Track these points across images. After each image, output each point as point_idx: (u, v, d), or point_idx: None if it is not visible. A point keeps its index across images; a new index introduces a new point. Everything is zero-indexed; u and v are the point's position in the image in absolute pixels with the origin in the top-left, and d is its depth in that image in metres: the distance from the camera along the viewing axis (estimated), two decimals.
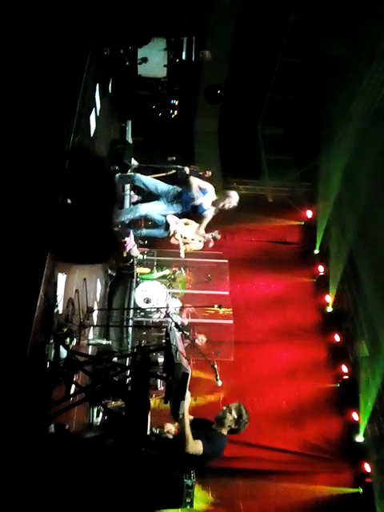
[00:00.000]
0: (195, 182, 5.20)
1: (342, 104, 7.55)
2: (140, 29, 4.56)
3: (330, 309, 7.62)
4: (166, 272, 6.17)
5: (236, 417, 3.48)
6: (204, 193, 5.22)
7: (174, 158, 6.70)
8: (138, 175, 5.42)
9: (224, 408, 3.56)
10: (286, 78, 8.75)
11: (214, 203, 5.27)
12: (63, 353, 2.99)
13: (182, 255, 5.66)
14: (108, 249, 1.47)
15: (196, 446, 3.24)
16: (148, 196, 5.64)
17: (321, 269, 7.97)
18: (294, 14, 7.71)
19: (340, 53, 7.41)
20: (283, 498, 5.91)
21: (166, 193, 5.31)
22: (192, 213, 5.39)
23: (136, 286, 5.99)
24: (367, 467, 6.19)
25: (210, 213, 5.31)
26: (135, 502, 3.05)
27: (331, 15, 7.26)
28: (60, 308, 3.14)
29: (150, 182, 5.38)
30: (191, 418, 3.46)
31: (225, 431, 3.50)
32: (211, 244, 5.77)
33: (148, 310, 5.77)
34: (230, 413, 3.50)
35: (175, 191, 5.30)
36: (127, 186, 6.03)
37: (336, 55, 7.48)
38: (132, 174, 5.38)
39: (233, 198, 5.23)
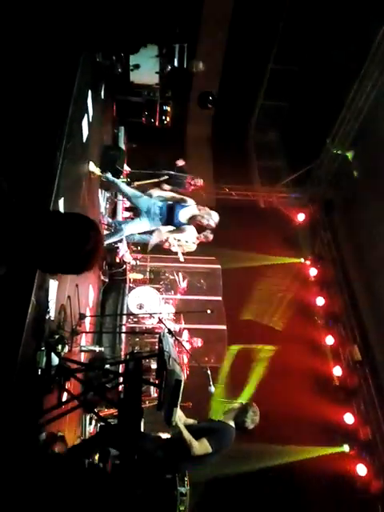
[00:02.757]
0: (173, 196, 5.18)
1: (335, 108, 7.64)
2: (131, 36, 4.58)
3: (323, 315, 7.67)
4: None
5: (242, 407, 3.40)
6: (182, 207, 5.09)
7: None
8: (120, 183, 5.30)
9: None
10: (278, 84, 8.84)
11: (193, 218, 5.09)
12: (55, 360, 2.96)
13: (182, 258, 5.59)
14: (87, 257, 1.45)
15: (203, 447, 3.14)
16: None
17: (313, 272, 8.02)
18: (283, 21, 7.79)
19: (333, 58, 7.48)
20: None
21: (146, 209, 5.11)
22: (172, 225, 5.22)
23: (129, 292, 5.97)
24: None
25: (188, 228, 5.12)
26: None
27: (323, 22, 7.33)
28: (52, 314, 3.12)
29: (130, 193, 5.23)
30: (195, 422, 3.41)
31: (232, 422, 3.36)
32: (210, 237, 5.54)
33: (141, 315, 5.76)
34: (234, 403, 3.44)
35: (156, 207, 5.10)
36: (119, 195, 6.00)
37: (328, 61, 7.56)
38: (113, 179, 5.27)
39: (213, 217, 5.06)
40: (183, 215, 5.07)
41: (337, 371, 7.06)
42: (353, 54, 7.01)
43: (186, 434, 3.10)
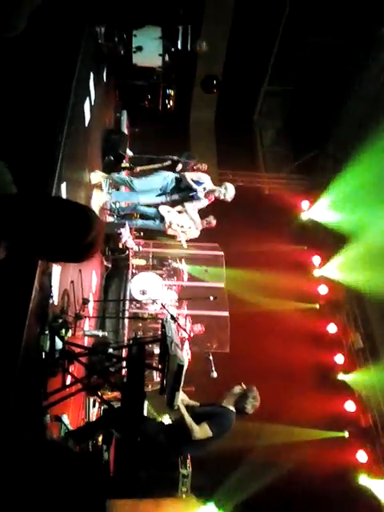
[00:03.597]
0: (188, 176, 5.24)
1: (341, 96, 7.52)
2: (136, 10, 4.47)
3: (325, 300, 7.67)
4: None
5: (243, 391, 3.45)
6: (199, 184, 5.24)
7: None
8: (129, 181, 5.37)
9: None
10: (283, 69, 8.68)
11: (210, 193, 5.28)
12: (59, 344, 2.98)
13: (185, 245, 5.68)
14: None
15: (203, 431, 3.20)
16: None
17: (317, 260, 7.99)
18: (289, 6, 7.61)
19: (338, 44, 7.34)
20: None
21: (164, 188, 5.34)
22: (186, 200, 5.41)
23: (132, 278, 5.97)
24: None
25: (204, 201, 5.34)
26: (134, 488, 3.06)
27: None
28: (55, 299, 3.13)
29: (141, 186, 5.35)
30: (197, 404, 3.45)
31: (232, 407, 3.42)
32: (214, 222, 5.73)
33: (144, 301, 5.77)
34: (238, 386, 3.48)
35: (172, 183, 5.32)
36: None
37: (335, 46, 7.41)
38: (121, 178, 5.38)
39: (229, 190, 5.27)
40: (200, 190, 5.25)
41: (339, 359, 7.10)
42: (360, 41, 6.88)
43: (188, 419, 3.15)
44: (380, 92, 6.94)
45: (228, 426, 3.38)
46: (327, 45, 7.56)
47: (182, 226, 5.68)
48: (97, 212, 4.92)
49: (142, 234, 6.60)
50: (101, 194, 5.11)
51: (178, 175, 5.43)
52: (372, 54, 6.92)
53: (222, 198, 5.31)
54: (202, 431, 3.20)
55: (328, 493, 5.79)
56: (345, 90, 7.57)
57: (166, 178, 5.38)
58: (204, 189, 5.33)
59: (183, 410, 3.17)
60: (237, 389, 3.49)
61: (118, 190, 5.65)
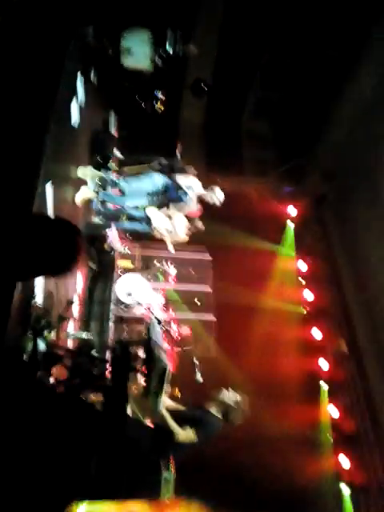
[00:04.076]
0: (177, 180, 5.25)
1: (330, 102, 7.61)
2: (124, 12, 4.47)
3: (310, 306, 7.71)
4: None
5: (226, 398, 3.43)
6: (187, 188, 5.26)
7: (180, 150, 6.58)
8: (118, 181, 5.35)
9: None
10: (272, 74, 8.74)
11: (198, 196, 5.32)
12: (41, 346, 2.94)
13: (172, 250, 5.67)
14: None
15: (187, 436, 3.20)
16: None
17: (303, 265, 8.04)
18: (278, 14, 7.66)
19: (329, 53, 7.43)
20: None
21: (152, 191, 5.34)
22: (174, 203, 5.40)
23: (117, 280, 5.94)
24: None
25: (192, 205, 5.34)
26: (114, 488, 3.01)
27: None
28: (38, 300, 3.09)
29: (130, 188, 5.33)
30: (182, 408, 3.43)
31: (219, 414, 3.42)
32: (201, 226, 5.72)
33: (129, 303, 5.74)
34: (226, 392, 3.46)
35: (161, 186, 5.32)
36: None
37: (324, 54, 7.49)
38: (109, 177, 5.35)
39: (217, 194, 5.28)
40: (188, 193, 5.25)
41: (323, 365, 7.13)
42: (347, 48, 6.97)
43: (170, 422, 3.14)
44: (370, 100, 7.03)
45: (212, 433, 3.38)
46: (317, 52, 7.64)
47: (170, 229, 5.67)
48: (79, 205, 4.90)
49: (128, 235, 6.56)
50: (86, 190, 5.07)
51: (166, 178, 5.41)
52: (362, 61, 7.01)
53: (210, 201, 5.31)
54: (186, 435, 3.18)
55: (306, 497, 5.83)
56: (334, 97, 7.67)
57: (155, 181, 5.36)
58: (192, 192, 5.34)
59: (166, 414, 3.15)
60: (225, 395, 3.48)
61: (104, 189, 5.61)
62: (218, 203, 5.36)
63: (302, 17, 7.37)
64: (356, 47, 6.97)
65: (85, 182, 5.09)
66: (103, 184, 5.37)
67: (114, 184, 5.37)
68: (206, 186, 5.54)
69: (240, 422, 3.43)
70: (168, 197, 5.42)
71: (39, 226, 1.45)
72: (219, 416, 3.40)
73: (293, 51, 8.08)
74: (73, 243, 1.45)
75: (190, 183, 5.31)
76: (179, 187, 5.29)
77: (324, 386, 6.95)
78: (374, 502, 5.82)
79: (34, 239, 1.40)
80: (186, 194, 5.24)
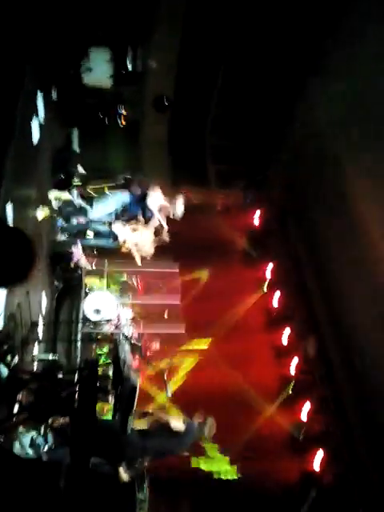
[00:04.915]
0: (141, 194, 5.33)
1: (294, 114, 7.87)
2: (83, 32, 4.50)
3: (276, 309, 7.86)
4: None
5: (199, 424, 3.53)
6: (152, 201, 5.33)
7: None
8: (85, 205, 5.40)
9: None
10: (232, 87, 8.94)
11: (162, 209, 5.36)
12: (4, 371, 2.85)
13: (139, 263, 5.70)
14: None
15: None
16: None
17: (268, 272, 8.21)
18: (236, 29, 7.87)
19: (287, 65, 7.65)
20: None
21: (118, 208, 5.48)
22: (138, 216, 5.46)
23: (85, 297, 5.85)
24: None
25: (158, 218, 5.40)
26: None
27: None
28: (0, 324, 3.01)
29: (99, 211, 5.40)
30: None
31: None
32: (167, 238, 5.76)
33: (97, 320, 5.65)
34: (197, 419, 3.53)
35: (126, 202, 5.37)
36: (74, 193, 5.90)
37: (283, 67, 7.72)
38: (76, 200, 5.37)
39: (177, 208, 5.35)
40: (152, 206, 5.34)
41: (292, 369, 7.25)
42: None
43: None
44: (322, 119, 7.32)
45: (191, 438, 3.45)
46: (275, 65, 7.88)
47: (136, 244, 5.68)
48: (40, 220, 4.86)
49: (95, 251, 6.49)
50: (47, 210, 5.04)
51: (131, 193, 5.46)
52: (313, 79, 7.31)
53: (172, 214, 5.40)
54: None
55: (278, 497, 5.90)
56: (291, 108, 7.92)
57: (121, 199, 5.46)
58: (156, 206, 5.39)
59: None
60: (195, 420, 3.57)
61: (69, 207, 5.56)
62: (179, 215, 5.46)
63: (256, 34, 7.61)
64: (308, 64, 7.25)
65: (47, 200, 5.04)
66: (71, 206, 5.39)
67: (80, 210, 5.40)
68: (170, 200, 5.60)
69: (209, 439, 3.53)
70: (133, 212, 5.46)
71: None
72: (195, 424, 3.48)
73: (247, 70, 8.30)
74: (24, 250, 1.42)
75: (154, 197, 5.37)
76: (143, 201, 5.34)
77: (292, 388, 7.08)
78: (341, 500, 5.96)
79: None
80: (149, 208, 5.30)
